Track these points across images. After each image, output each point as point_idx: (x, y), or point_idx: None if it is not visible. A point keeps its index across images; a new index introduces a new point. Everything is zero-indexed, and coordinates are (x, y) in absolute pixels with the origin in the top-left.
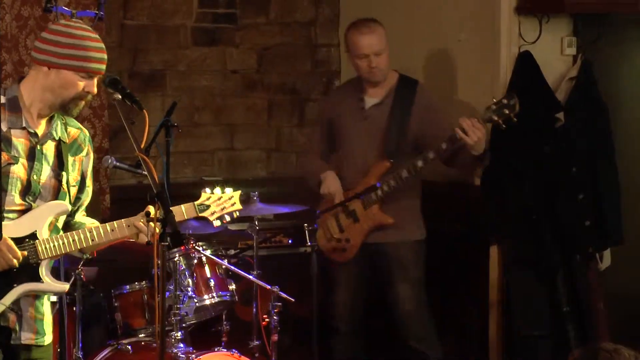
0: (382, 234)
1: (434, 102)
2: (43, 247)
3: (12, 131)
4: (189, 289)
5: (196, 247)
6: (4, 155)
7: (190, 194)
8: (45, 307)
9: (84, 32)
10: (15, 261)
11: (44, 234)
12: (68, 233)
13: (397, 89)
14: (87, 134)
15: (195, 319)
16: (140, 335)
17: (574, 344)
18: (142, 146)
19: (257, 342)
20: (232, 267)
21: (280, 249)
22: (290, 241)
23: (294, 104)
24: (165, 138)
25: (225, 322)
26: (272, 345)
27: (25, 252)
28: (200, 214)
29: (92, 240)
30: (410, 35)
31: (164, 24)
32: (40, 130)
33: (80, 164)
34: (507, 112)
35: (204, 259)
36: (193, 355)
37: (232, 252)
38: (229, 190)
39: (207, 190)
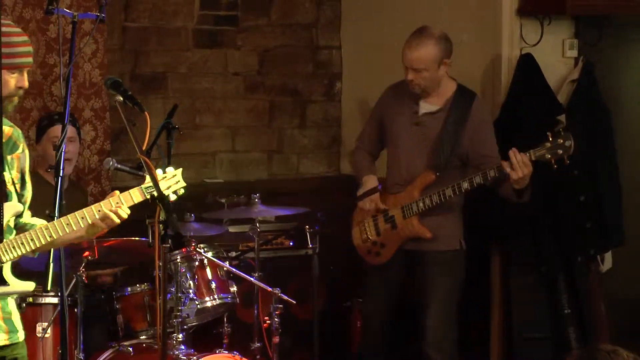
0: (420, 242)
1: (487, 118)
2: (3, 250)
3: None
4: (191, 291)
5: (197, 249)
6: None
7: (191, 196)
8: (11, 305)
9: (9, 29)
10: None
11: (2, 236)
12: (25, 233)
13: (454, 101)
14: (20, 131)
15: (197, 320)
16: (141, 337)
17: (575, 346)
18: (144, 148)
19: (258, 344)
20: (234, 269)
21: (282, 251)
22: (291, 243)
23: (296, 105)
24: (166, 140)
25: (226, 324)
26: (273, 347)
27: None
28: (148, 197)
29: (50, 236)
30: None
31: (165, 26)
32: None
33: (19, 161)
34: (560, 152)
35: (205, 261)
36: (194, 357)
37: (233, 254)
38: (171, 169)
39: None
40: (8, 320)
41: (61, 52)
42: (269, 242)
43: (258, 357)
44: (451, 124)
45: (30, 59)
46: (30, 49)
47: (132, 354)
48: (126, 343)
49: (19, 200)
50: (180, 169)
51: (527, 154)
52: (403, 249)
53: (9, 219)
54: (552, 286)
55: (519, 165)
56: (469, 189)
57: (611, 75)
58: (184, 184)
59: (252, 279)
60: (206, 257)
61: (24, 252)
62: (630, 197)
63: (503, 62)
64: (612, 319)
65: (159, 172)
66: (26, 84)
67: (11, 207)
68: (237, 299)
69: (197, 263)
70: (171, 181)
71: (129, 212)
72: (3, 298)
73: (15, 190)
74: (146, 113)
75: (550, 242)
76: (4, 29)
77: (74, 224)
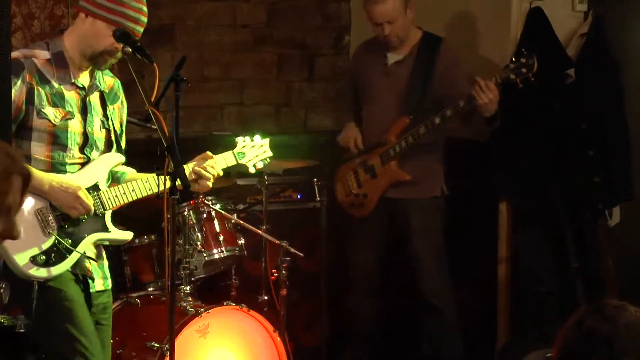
0: (401, 190)
1: (457, 60)
2: (106, 198)
3: (63, 86)
4: (198, 243)
5: (205, 201)
6: (61, 112)
7: (199, 148)
8: (103, 252)
9: None
10: (92, 207)
11: (105, 185)
12: (127, 183)
13: (420, 47)
14: (119, 82)
15: (204, 273)
16: (149, 289)
17: (582, 301)
18: (152, 100)
19: (265, 297)
20: (241, 222)
21: (290, 204)
22: (299, 196)
23: (304, 58)
24: (174, 92)
25: (234, 277)
26: (281, 300)
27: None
28: (239, 162)
29: (150, 190)
30: None
31: None
32: (85, 81)
33: (119, 112)
34: (525, 71)
35: (213, 213)
36: (202, 309)
37: (241, 206)
38: (258, 138)
39: (241, 138)
40: (102, 265)
41: (69, 3)
42: (276, 194)
43: (265, 309)
44: (419, 69)
45: (137, 27)
46: (141, 17)
47: (139, 305)
48: (134, 295)
49: (119, 151)
50: (268, 139)
51: (493, 78)
52: (385, 198)
53: (111, 168)
54: (559, 240)
55: (485, 89)
56: (441, 124)
57: (621, 30)
58: (271, 154)
59: (259, 231)
60: (214, 210)
61: (125, 201)
62: (638, 152)
63: (512, 15)
64: (620, 273)
65: (246, 139)
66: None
67: (112, 158)
68: (245, 252)
69: (205, 215)
70: (260, 150)
71: (221, 173)
72: (98, 245)
73: (116, 140)
74: (155, 65)
75: (559, 197)
76: None
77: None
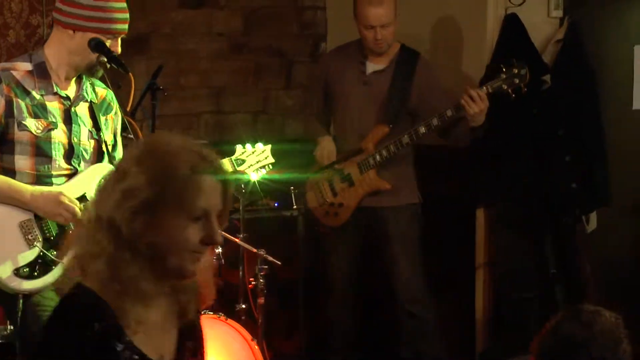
0: (377, 198)
1: (435, 76)
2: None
3: (45, 97)
4: None
5: None
6: (42, 123)
7: None
8: None
9: None
10: (79, 210)
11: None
12: None
13: (399, 59)
14: (112, 92)
15: None
16: None
17: (561, 306)
18: (128, 109)
19: (243, 305)
20: None
21: (267, 212)
22: (276, 204)
23: (281, 66)
24: (151, 101)
25: None
26: (259, 308)
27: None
28: (237, 168)
29: None
30: None
31: None
32: (71, 92)
33: (112, 123)
34: (517, 81)
35: None
36: None
37: None
38: (260, 145)
39: (240, 146)
40: None
41: (44, 13)
42: (253, 202)
43: (243, 318)
44: (398, 80)
45: (126, 26)
46: (127, 15)
47: None
48: None
49: (110, 162)
50: (269, 146)
51: (484, 88)
52: (361, 207)
53: (101, 179)
54: (538, 246)
55: (477, 99)
56: (426, 133)
57: (597, 35)
58: (273, 160)
59: (237, 239)
60: None
61: None
62: (615, 157)
63: (488, 22)
64: (598, 279)
65: (248, 147)
66: (119, 49)
67: (101, 169)
68: (222, 260)
69: None
70: (261, 156)
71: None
72: None
73: (108, 151)
74: (130, 74)
75: (536, 203)
76: None
77: None
